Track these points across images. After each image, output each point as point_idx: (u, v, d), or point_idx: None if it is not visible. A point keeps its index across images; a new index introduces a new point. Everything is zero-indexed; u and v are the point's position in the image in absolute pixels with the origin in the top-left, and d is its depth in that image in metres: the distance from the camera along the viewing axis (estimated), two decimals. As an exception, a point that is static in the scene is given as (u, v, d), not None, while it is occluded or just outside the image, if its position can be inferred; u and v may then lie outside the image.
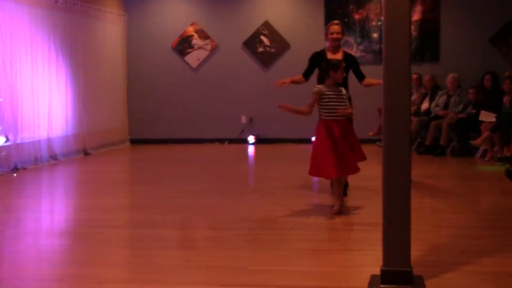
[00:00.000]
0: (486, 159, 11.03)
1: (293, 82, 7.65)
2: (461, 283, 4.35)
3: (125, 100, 14.86)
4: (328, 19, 14.06)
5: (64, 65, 12.11)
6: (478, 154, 11.52)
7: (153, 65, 14.88)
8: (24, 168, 10.43)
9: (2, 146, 10.15)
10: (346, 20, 14.26)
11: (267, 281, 4.55)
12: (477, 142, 11.40)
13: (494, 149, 10.95)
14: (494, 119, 10.98)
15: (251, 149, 13.78)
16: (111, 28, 14.23)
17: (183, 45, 14.87)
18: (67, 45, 12.20)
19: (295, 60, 13.05)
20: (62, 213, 7.60)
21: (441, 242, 5.53)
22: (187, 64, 14.87)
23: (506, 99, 11.47)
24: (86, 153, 12.60)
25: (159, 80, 14.86)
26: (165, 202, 7.73)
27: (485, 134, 10.95)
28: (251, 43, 14.68)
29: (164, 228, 6.33)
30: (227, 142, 14.65)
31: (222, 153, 13.32)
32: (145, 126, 14.89)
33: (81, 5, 12.71)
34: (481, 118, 11.40)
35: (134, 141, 14.79)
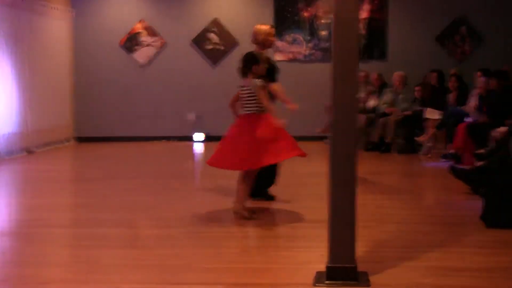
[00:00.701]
0: (431, 156, 11.19)
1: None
2: (403, 278, 4.40)
3: (71, 97, 14.64)
4: (277, 16, 14.16)
5: (8, 62, 11.87)
6: (423, 151, 11.67)
7: (100, 62, 14.71)
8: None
9: None
10: (295, 17, 14.33)
11: (213, 279, 4.54)
12: (422, 139, 11.56)
13: (439, 146, 11.11)
14: (439, 117, 11.13)
15: (199, 147, 13.74)
16: (57, 25, 14.01)
17: (131, 42, 14.74)
18: (11, 41, 11.97)
19: (243, 58, 13.04)
20: (5, 212, 7.45)
21: (384, 238, 5.59)
22: (136, 61, 14.75)
23: (451, 96, 11.65)
24: (29, 152, 12.36)
25: (106, 77, 14.70)
26: (110, 200, 7.64)
27: (431, 131, 11.10)
28: (199, 41, 14.63)
29: (108, 227, 6.25)
30: (175, 139, 14.57)
31: (169, 151, 13.24)
32: (91, 124, 14.71)
33: (27, 1, 12.48)
34: (426, 115, 11.55)
35: (80, 139, 14.58)
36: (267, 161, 6.30)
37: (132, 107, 14.68)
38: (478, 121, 10.07)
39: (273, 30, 7.35)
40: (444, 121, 10.80)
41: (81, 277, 4.61)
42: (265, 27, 7.28)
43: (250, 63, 6.46)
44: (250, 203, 6.83)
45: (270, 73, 7.04)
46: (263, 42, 7.23)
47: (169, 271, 4.70)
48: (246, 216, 6.33)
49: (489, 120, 9.74)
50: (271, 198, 7.34)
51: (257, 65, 6.44)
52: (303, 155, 6.48)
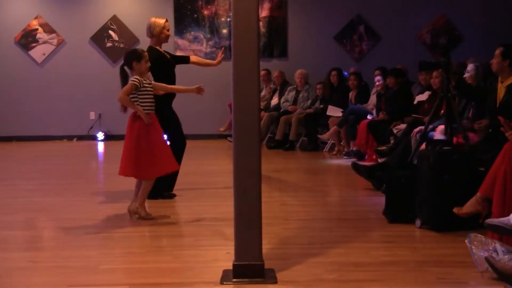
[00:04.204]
0: (334, 153, 11.38)
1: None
2: (309, 274, 4.44)
3: (-35, 96, 14.11)
4: (177, 13, 14.09)
5: None
6: (326, 148, 11.86)
7: (-6, 59, 14.23)
8: None
9: None
10: (195, 15, 14.29)
11: (120, 279, 4.46)
12: (325, 136, 11.74)
13: (341, 143, 11.30)
14: (340, 114, 11.33)
15: (100, 146, 13.50)
16: None
17: (27, 39, 14.33)
18: None
19: (144, 55, 12.89)
20: None
21: (290, 235, 5.63)
22: (32, 59, 14.34)
23: (351, 94, 11.87)
24: None
25: (1, 75, 14.23)
26: (7, 202, 7.39)
27: (333, 128, 11.28)
28: (99, 38, 14.38)
29: (6, 229, 6.03)
30: (75, 139, 14.26)
31: (70, 151, 12.94)
32: (-14, 123, 14.21)
33: None
34: (328, 113, 11.73)
35: (-25, 139, 14.08)
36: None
37: (30, 105, 14.27)
38: (378, 119, 10.30)
39: (168, 24, 7.29)
40: (345, 118, 10.99)
41: (-21, 283, 4.44)
42: (160, 20, 7.21)
43: (130, 60, 6.25)
44: (149, 204, 6.76)
45: (163, 67, 7.04)
46: (158, 35, 7.17)
47: (75, 272, 4.58)
48: (143, 216, 6.23)
49: (388, 117, 9.97)
50: (170, 197, 7.29)
51: (138, 63, 6.22)
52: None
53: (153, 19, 7.21)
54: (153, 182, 6.42)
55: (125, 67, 6.38)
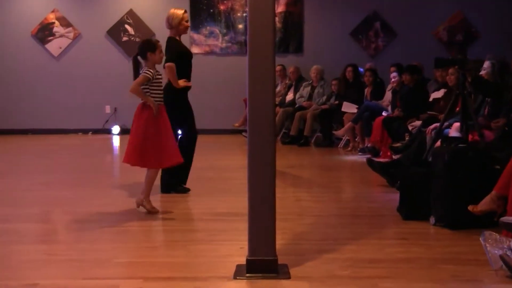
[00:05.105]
0: (349, 149, 11.36)
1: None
2: (323, 270, 4.44)
3: (-19, 89, 14.19)
4: (193, 8, 14.09)
5: None
6: (341, 145, 11.84)
7: (11, 52, 14.30)
8: None
9: None
10: (211, 10, 14.29)
11: (134, 273, 4.48)
12: (339, 132, 11.72)
13: (356, 139, 11.29)
14: (355, 110, 11.31)
15: (115, 140, 13.53)
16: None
17: (44, 33, 14.39)
18: None
19: (160, 50, 12.92)
20: None
21: (304, 231, 5.63)
22: (48, 52, 14.40)
23: (367, 91, 11.84)
24: None
25: (18, 68, 14.31)
26: (23, 195, 7.42)
27: (347, 125, 11.26)
28: (115, 32, 14.41)
29: (22, 222, 6.07)
30: (91, 132, 14.32)
31: (85, 144, 12.99)
32: (2, 117, 14.27)
33: None
34: (343, 109, 11.71)
35: (-7, 132, 14.16)
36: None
37: (46, 99, 14.33)
38: (393, 115, 10.28)
39: (186, 15, 7.25)
40: (360, 115, 10.96)
41: (-4, 274, 4.47)
42: (179, 11, 7.17)
43: (145, 50, 6.26)
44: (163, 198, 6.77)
45: (181, 60, 7.03)
46: (176, 26, 7.15)
47: (89, 265, 4.60)
48: (148, 209, 6.25)
49: (403, 114, 9.94)
50: (184, 191, 7.30)
51: (152, 53, 6.24)
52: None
53: (172, 10, 7.20)
54: (157, 173, 6.46)
55: (139, 57, 6.39)
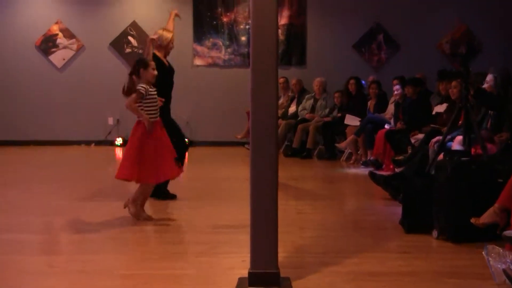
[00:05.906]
0: (351, 162, 11.35)
1: None
2: (325, 283, 4.42)
3: (-16, 100, 14.21)
4: (196, 20, 14.12)
5: None
6: (343, 157, 11.83)
7: (14, 64, 14.35)
8: None
9: None
10: (214, 22, 14.32)
11: (135, 285, 4.45)
12: (342, 145, 11.71)
13: (359, 152, 11.27)
14: (358, 123, 11.30)
15: (118, 151, 13.53)
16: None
17: (47, 44, 14.43)
18: None
19: (163, 62, 12.95)
20: None
21: (306, 244, 5.61)
22: (52, 64, 14.44)
23: (370, 103, 11.84)
24: None
25: (21, 79, 14.34)
26: (24, 205, 7.42)
27: (350, 137, 11.25)
28: (118, 44, 14.45)
29: (23, 232, 6.04)
30: (93, 144, 14.33)
31: (87, 155, 13.00)
32: (5, 128, 14.29)
33: None
34: (346, 121, 11.71)
35: (-5, 143, 14.17)
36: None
37: (49, 110, 14.36)
38: (396, 128, 10.27)
39: (173, 38, 7.53)
40: (362, 127, 10.96)
41: (-4, 285, 4.45)
42: (167, 34, 7.44)
43: (138, 67, 6.34)
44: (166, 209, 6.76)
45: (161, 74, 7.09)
46: (165, 47, 7.41)
47: (89, 277, 4.58)
48: (132, 212, 6.37)
49: (406, 127, 9.94)
50: (171, 197, 7.47)
51: (145, 70, 6.31)
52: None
53: (160, 31, 7.42)
54: (152, 187, 6.60)
55: (130, 72, 6.45)
